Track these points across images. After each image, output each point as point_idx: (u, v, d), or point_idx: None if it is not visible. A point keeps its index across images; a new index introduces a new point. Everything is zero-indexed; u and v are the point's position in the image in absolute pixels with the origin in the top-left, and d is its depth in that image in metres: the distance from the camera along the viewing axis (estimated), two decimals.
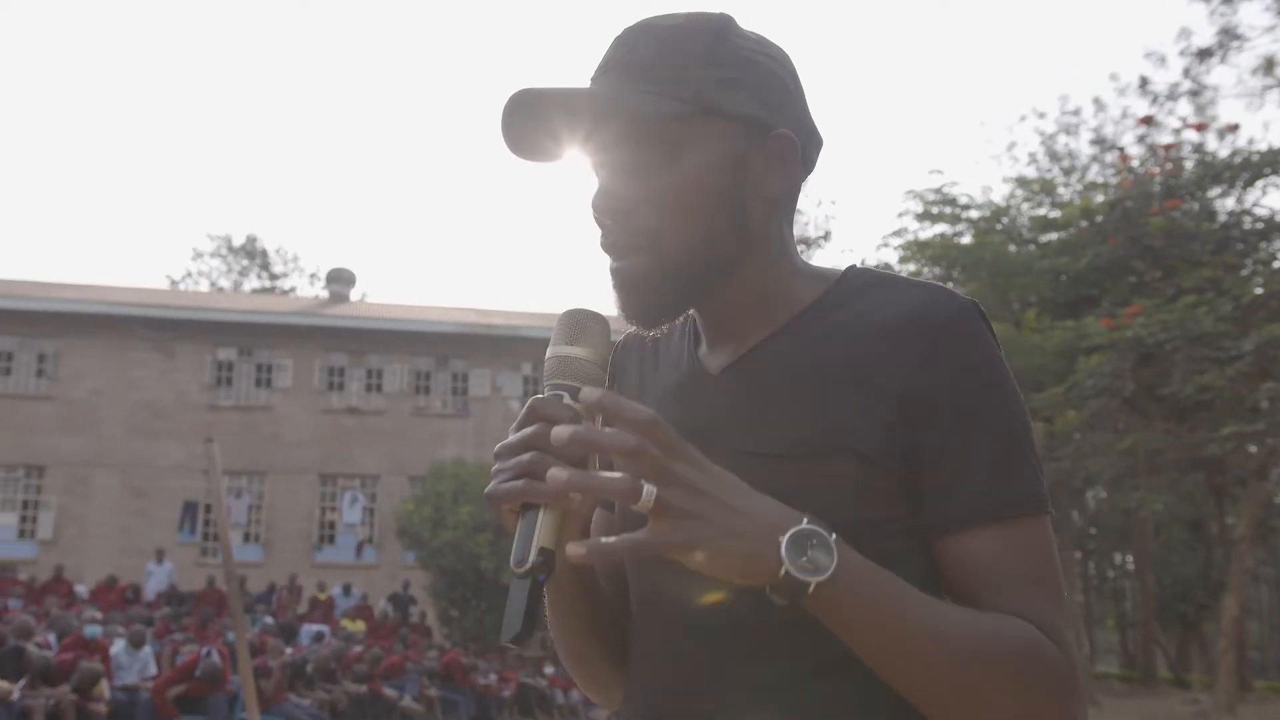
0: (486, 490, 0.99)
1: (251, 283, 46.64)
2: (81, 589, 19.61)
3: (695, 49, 1.05)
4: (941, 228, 21.91)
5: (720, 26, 1.07)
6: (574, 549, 0.84)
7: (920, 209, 21.58)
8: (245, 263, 47.03)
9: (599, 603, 1.18)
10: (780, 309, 1.11)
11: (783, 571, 0.87)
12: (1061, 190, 22.75)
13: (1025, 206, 22.26)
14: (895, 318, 1.05)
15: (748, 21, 1.12)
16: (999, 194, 31.78)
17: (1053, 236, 21.30)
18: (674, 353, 1.21)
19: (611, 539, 0.86)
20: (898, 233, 22.14)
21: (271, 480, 25.16)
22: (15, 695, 8.72)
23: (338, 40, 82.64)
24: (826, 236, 23.33)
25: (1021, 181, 22.46)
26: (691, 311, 1.17)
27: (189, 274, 46.52)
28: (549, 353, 1.04)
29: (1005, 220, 21.62)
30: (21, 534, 23.93)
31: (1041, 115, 34.94)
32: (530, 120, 1.05)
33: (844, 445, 1.00)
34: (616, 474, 0.85)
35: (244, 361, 25.83)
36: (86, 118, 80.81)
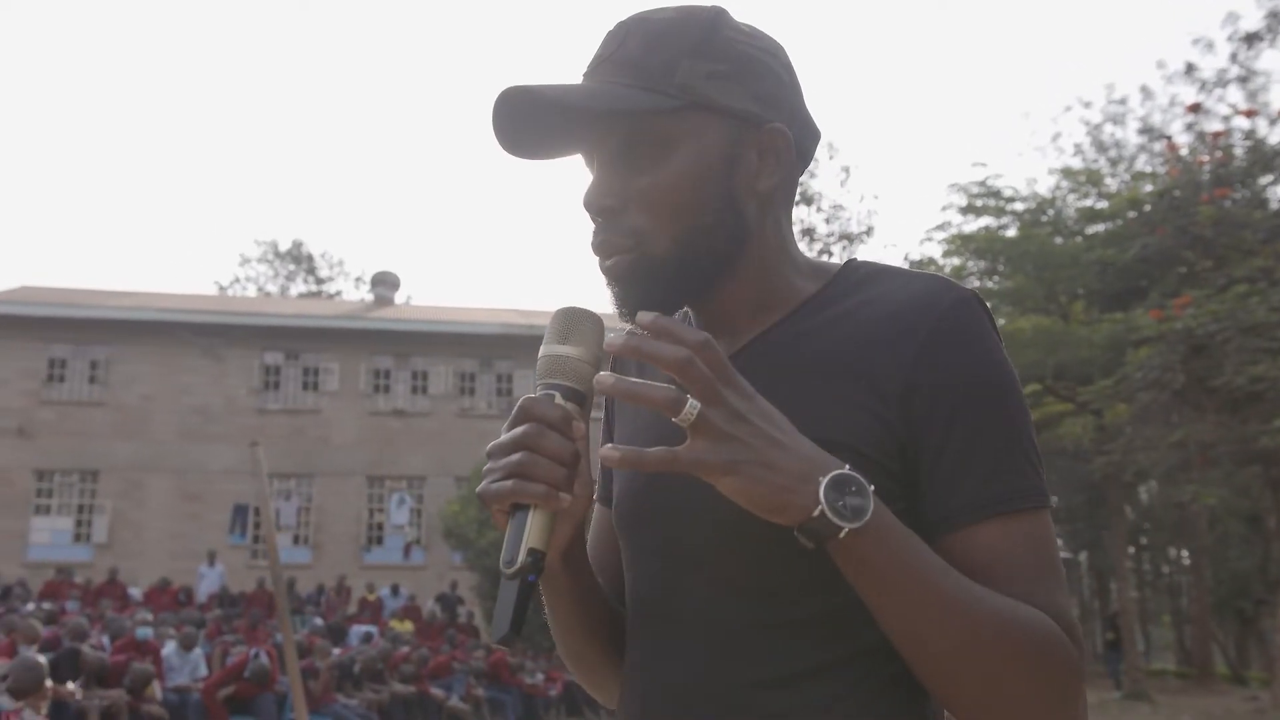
0: (478, 490, 0.98)
1: (298, 287, 47.15)
2: (135, 591, 19.92)
3: (685, 43, 1.03)
4: (986, 221, 21.68)
5: (711, 19, 1.06)
6: (608, 452, 0.83)
7: (964, 202, 21.36)
8: (291, 267, 47.57)
9: (597, 603, 1.17)
10: (777, 304, 1.10)
11: (818, 510, 0.85)
12: (1108, 181, 22.39)
13: (1071, 198, 21.95)
14: (892, 310, 1.03)
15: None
16: (1044, 186, 31.40)
17: (1100, 228, 20.99)
18: None
19: (650, 450, 0.85)
20: (941, 226, 21.94)
21: (320, 483, 25.41)
22: (79, 697, 8.88)
23: (379, 47, 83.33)
24: (869, 232, 23.11)
25: (1067, 172, 22.13)
26: (686, 310, 1.16)
27: (236, 280, 47.15)
28: (541, 351, 1.03)
29: (1051, 212, 21.33)
30: (77, 538, 24.35)
31: (1087, 105, 34.52)
32: (520, 118, 1.04)
33: (840, 441, 0.98)
34: (663, 385, 0.84)
35: (291, 365, 26.12)
36: (136, 129, 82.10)
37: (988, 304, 1.06)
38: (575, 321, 1.02)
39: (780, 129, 1.06)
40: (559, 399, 0.99)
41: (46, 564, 22.58)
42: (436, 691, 13.52)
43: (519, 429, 0.97)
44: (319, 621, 16.72)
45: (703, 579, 1.05)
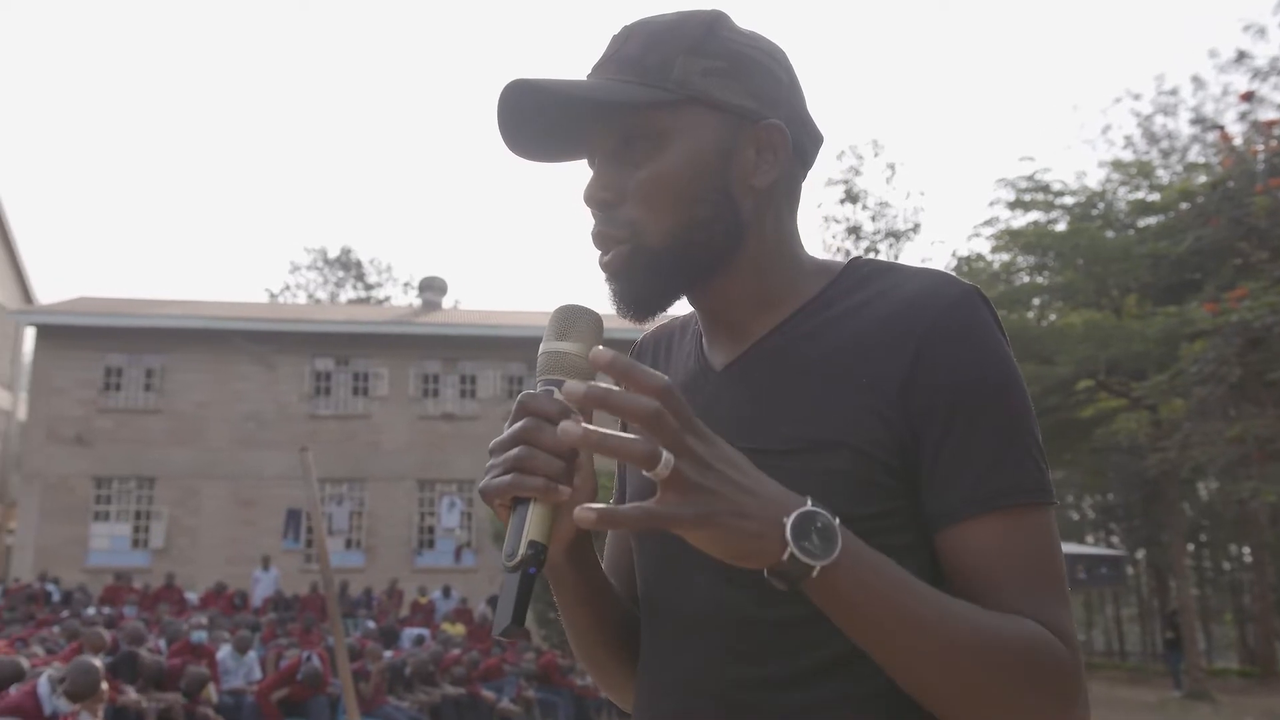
0: (479, 486, 1.00)
1: (347, 293, 47.62)
2: (192, 596, 20.21)
3: (682, 42, 1.05)
4: (1035, 216, 21.45)
5: (710, 20, 1.08)
6: (583, 513, 0.81)
7: (1012, 197, 21.15)
8: (341, 274, 48.05)
9: (607, 603, 1.18)
10: (781, 303, 1.10)
11: (786, 554, 0.84)
12: (1160, 173, 22.06)
13: (1122, 191, 21.66)
14: (892, 308, 1.03)
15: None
16: (1094, 179, 30.97)
17: (1152, 220, 20.71)
18: (685, 350, 1.21)
19: (624, 506, 0.83)
20: (989, 222, 21.75)
21: (371, 487, 25.63)
22: (145, 704, 9.02)
23: (425, 55, 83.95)
24: (916, 229, 22.96)
25: (1117, 165, 21.83)
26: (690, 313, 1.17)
27: (287, 287, 47.70)
28: (540, 349, 1.04)
29: (1101, 205, 21.07)
30: (135, 543, 24.74)
31: (1137, 97, 33.99)
32: (522, 113, 1.06)
33: (841, 440, 0.99)
34: (633, 437, 0.82)
35: (341, 371, 26.36)
36: (189, 142, 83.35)
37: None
38: (574, 319, 1.04)
39: (776, 125, 1.07)
40: (557, 394, 1.00)
41: (106, 569, 22.98)
42: (487, 693, 13.56)
43: (517, 424, 0.98)
44: (371, 624, 16.86)
45: (710, 578, 1.06)
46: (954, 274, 1.07)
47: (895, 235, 22.79)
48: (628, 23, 1.10)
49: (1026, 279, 22.11)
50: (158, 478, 24.87)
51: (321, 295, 47.22)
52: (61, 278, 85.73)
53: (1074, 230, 20.20)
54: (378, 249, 78.16)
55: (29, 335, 28.11)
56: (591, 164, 1.11)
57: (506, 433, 0.99)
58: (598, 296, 1.21)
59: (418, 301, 33.09)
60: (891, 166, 23.14)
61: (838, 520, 0.86)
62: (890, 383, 1.00)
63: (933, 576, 1.00)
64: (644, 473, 0.82)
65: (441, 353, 26.60)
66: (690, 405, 1.08)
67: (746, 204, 1.08)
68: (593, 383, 0.82)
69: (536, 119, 1.07)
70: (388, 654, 13.25)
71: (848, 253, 22.94)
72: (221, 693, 10.61)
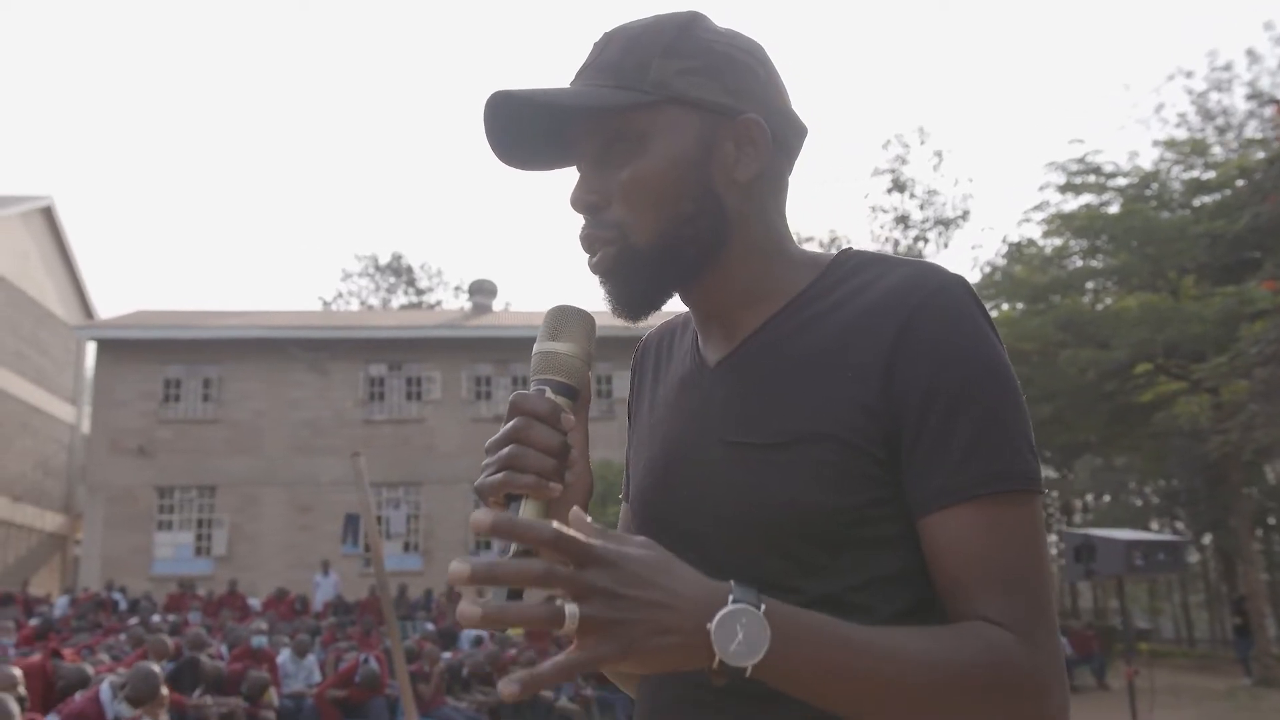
0: (474, 484, 1.02)
1: (398, 299, 48.05)
2: (255, 601, 20.51)
3: (658, 43, 1.07)
4: (1087, 198, 21.13)
5: (685, 21, 1.09)
6: (507, 687, 0.79)
7: (1063, 180, 20.85)
8: (392, 280, 48.49)
9: None
10: (771, 298, 1.12)
11: (716, 662, 0.83)
12: (1215, 150, 21.63)
13: (1176, 170, 21.27)
14: (876, 299, 1.04)
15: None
16: (1146, 159, 30.44)
17: (1207, 199, 20.30)
18: (683, 347, 1.23)
19: (544, 667, 0.80)
20: (1039, 206, 21.45)
21: (427, 490, 25.82)
22: (209, 708, 9.18)
23: (468, 65, 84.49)
24: (965, 216, 22.70)
25: (1171, 144, 21.43)
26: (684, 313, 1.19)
27: (340, 294, 48.20)
28: (534, 349, 1.07)
29: (1155, 186, 20.70)
30: (198, 551, 25.15)
31: (1189, 74, 33.34)
32: (505, 122, 1.09)
33: (828, 432, 1.01)
34: (533, 604, 0.81)
35: (394, 376, 26.60)
36: (240, 157, 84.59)
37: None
38: (565, 319, 1.06)
39: (754, 119, 1.08)
40: (549, 393, 1.03)
41: (170, 577, 23.39)
42: (545, 693, 13.63)
43: (509, 424, 1.00)
44: (430, 626, 17.00)
45: (705, 569, 1.06)
46: (939, 264, 1.06)
47: (944, 223, 22.55)
48: (608, 29, 1.12)
49: (1080, 263, 21.79)
50: (218, 486, 25.26)
51: (373, 302, 47.69)
52: (120, 292, 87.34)
53: (1127, 212, 19.86)
54: (428, 254, 78.75)
55: (90, 350, 28.65)
56: (578, 169, 1.13)
57: (499, 433, 1.01)
58: None
59: (468, 305, 33.30)
60: (939, 154, 22.89)
61: (763, 607, 0.85)
62: (873, 373, 1.01)
63: (922, 566, 1.01)
64: (555, 634, 0.81)
65: (493, 355, 26.75)
66: (686, 403, 1.14)
67: (730, 199, 1.09)
68: (476, 559, 0.80)
69: (522, 129, 1.10)
70: (446, 655, 13.35)
71: (896, 242, 22.74)
72: (282, 696, 10.76)
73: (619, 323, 1.18)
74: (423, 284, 48.91)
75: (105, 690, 6.39)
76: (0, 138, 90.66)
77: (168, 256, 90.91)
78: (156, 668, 6.63)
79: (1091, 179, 20.88)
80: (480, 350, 26.86)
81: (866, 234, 23.27)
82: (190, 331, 26.23)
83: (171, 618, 17.10)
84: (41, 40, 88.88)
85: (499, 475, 0.99)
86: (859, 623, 0.99)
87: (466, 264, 77.92)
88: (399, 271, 48.60)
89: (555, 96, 1.05)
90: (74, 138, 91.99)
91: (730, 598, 0.84)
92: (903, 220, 22.53)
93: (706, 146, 1.07)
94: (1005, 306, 22.30)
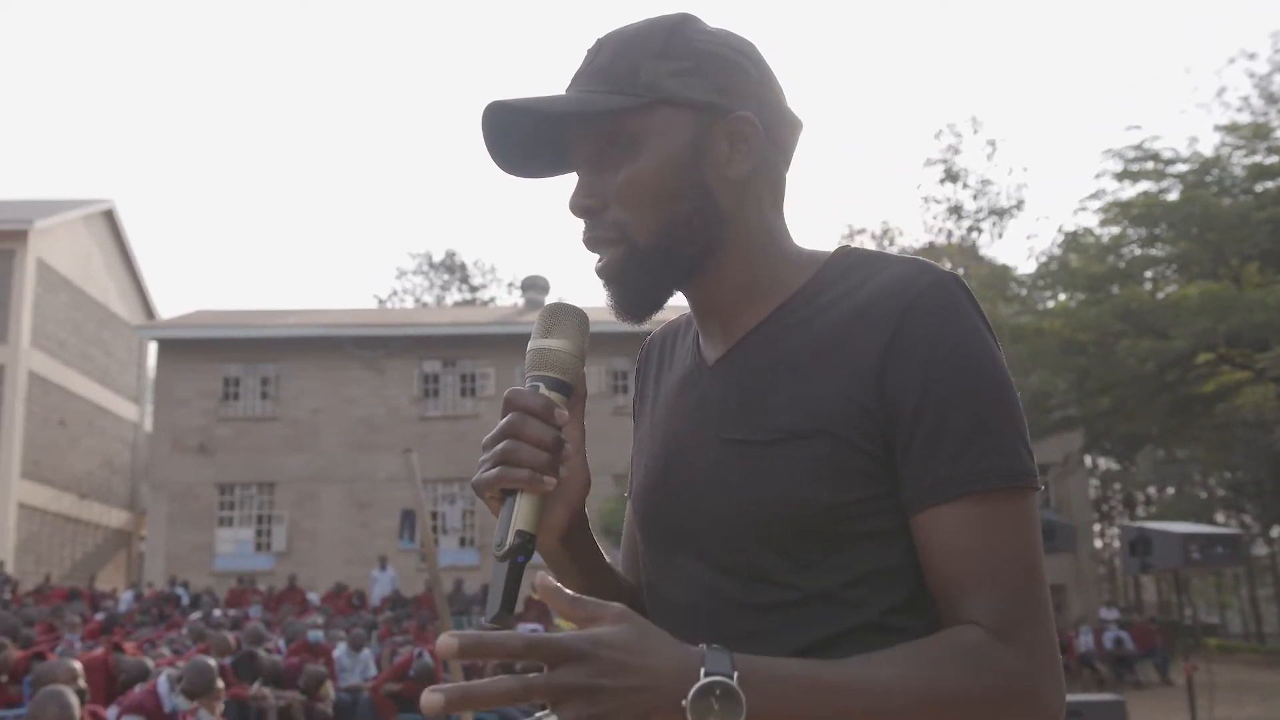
0: (471, 481, 1.04)
1: (453, 296, 48.38)
2: (314, 596, 20.81)
3: (649, 46, 1.08)
4: (1145, 186, 20.74)
5: (675, 24, 1.10)
6: (430, 695, 0.80)
7: (1120, 168, 20.49)
8: (446, 277, 48.84)
9: (608, 588, 1.22)
10: (769, 295, 1.12)
11: None
12: (1278, 134, 21.11)
13: (1238, 155, 20.79)
14: (870, 297, 1.05)
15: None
16: (1206, 145, 29.81)
17: (1270, 184, 19.83)
18: (685, 346, 1.24)
19: (480, 691, 0.81)
20: (1096, 195, 21.09)
21: None
22: (276, 702, 9.33)
23: (515, 63, 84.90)
24: (1019, 205, 22.37)
25: (1233, 128, 20.97)
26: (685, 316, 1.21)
27: (394, 292, 48.66)
28: (529, 346, 1.08)
29: (1216, 171, 20.26)
30: (259, 547, 25.55)
31: (1252, 56, 32.59)
32: (503, 131, 1.11)
33: (822, 428, 1.02)
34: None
35: (449, 373, 26.82)
36: (295, 157, 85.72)
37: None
38: (559, 316, 1.08)
39: (745, 117, 1.08)
40: (543, 389, 1.04)
41: (231, 573, 23.80)
42: None
43: (504, 420, 1.02)
44: (485, 620, 17.09)
45: (702, 565, 1.10)
46: (932, 261, 1.07)
47: (998, 213, 22.26)
48: (601, 35, 1.13)
49: (1138, 252, 21.41)
50: (277, 483, 25.63)
51: (428, 299, 48.08)
52: (180, 293, 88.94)
53: (1187, 199, 19.47)
54: (481, 251, 79.38)
55: (152, 350, 29.21)
56: (578, 174, 1.14)
57: (495, 429, 1.03)
58: None
59: (521, 301, 33.46)
60: (992, 143, 22.57)
61: (735, 675, 0.85)
62: (867, 370, 1.02)
63: (916, 562, 1.02)
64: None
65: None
66: (686, 400, 1.16)
67: (725, 196, 1.10)
68: (465, 634, 0.81)
69: (520, 138, 1.12)
70: None
71: (949, 233, 22.50)
72: (338, 689, 10.90)
73: (668, 318, 1.20)
74: (476, 281, 49.23)
75: (163, 683, 6.52)
76: (63, 142, 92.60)
77: (226, 257, 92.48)
78: (212, 661, 6.75)
79: (1150, 166, 20.49)
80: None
81: (919, 225, 23.05)
82: (248, 330, 26.64)
83: (232, 612, 17.39)
84: (102, 49, 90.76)
85: (494, 471, 1.01)
86: (853, 618, 1.01)
87: (519, 260, 78.37)
88: (453, 269, 48.94)
89: (548, 104, 1.07)
90: (133, 141, 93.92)
91: (702, 670, 0.85)
92: (956, 211, 22.27)
93: (699, 145, 1.08)
94: (1063, 296, 21.97)
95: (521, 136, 1.12)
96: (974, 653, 0.93)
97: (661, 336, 1.32)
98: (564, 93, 1.11)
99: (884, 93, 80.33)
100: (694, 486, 1.10)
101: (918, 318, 1.01)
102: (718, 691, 0.84)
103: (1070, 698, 11.78)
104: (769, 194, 1.14)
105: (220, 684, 6.48)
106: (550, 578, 0.87)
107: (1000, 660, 0.93)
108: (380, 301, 47.87)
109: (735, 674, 0.85)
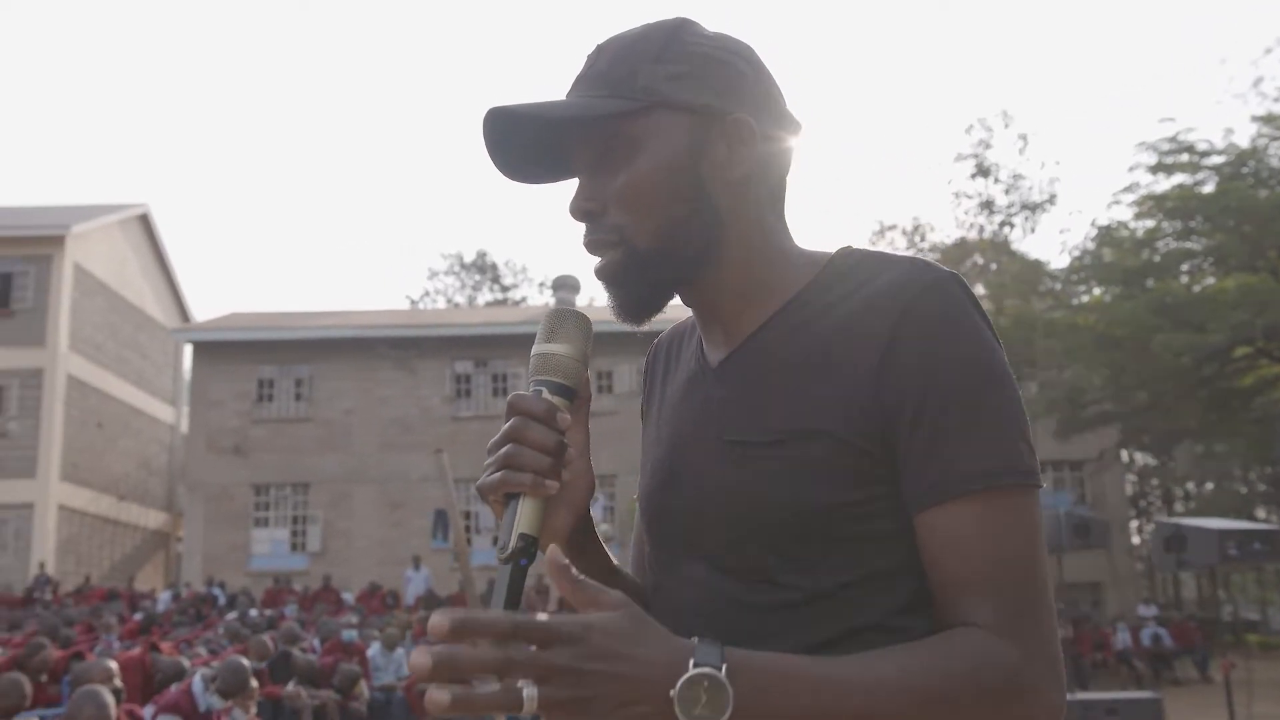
0: (475, 484, 1.05)
1: (484, 296, 48.56)
2: (348, 596, 20.95)
3: (647, 51, 1.10)
4: (1180, 178, 20.51)
5: (672, 28, 1.12)
6: (436, 693, 0.80)
7: (1154, 161, 20.27)
8: (477, 277, 49.04)
9: (617, 588, 1.21)
10: (770, 297, 1.13)
11: None
12: None
13: (1275, 146, 20.51)
14: (870, 298, 1.05)
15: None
16: (1243, 135, 29.43)
17: None
18: (690, 349, 1.25)
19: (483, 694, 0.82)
20: (1129, 188, 20.88)
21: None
22: (310, 701, 9.40)
23: (548, 62, 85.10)
24: (1052, 200, 22.18)
25: (1270, 119, 20.68)
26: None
27: (426, 293, 48.92)
28: (532, 351, 1.09)
29: (1252, 163, 20.00)
30: (294, 547, 25.76)
31: None
32: (507, 144, 1.13)
33: (822, 429, 1.02)
34: (490, 689, 0.82)
35: (480, 373, 26.91)
36: (327, 160, 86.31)
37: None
38: (561, 321, 1.09)
39: (743, 119, 1.09)
40: (546, 393, 1.05)
41: (267, 573, 24.01)
42: None
43: (507, 424, 1.03)
44: None
45: (706, 566, 1.11)
46: (933, 261, 1.07)
47: (1030, 207, 22.07)
48: (600, 41, 1.14)
49: (1173, 245, 21.18)
50: (311, 483, 25.82)
51: (459, 299, 48.29)
52: (214, 295, 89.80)
53: (1223, 191, 19.23)
54: (512, 251, 79.65)
55: (187, 352, 29.49)
56: (579, 179, 1.15)
57: (499, 433, 1.04)
58: None
59: (552, 301, 33.53)
60: (1024, 137, 22.39)
61: (724, 668, 0.85)
62: (867, 371, 1.02)
63: (917, 562, 1.02)
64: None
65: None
66: (690, 403, 1.17)
67: (724, 198, 1.10)
68: (439, 647, 0.81)
69: (521, 144, 1.13)
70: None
71: (980, 228, 22.33)
72: (372, 689, 10.96)
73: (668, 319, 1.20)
74: (507, 281, 49.40)
75: (197, 682, 6.59)
76: (98, 148, 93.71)
77: (260, 259, 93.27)
78: (246, 661, 6.81)
79: (1184, 158, 20.26)
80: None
81: (950, 220, 22.89)
82: (282, 332, 26.85)
83: (268, 612, 17.54)
84: (135, 54, 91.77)
85: (497, 475, 1.02)
86: (855, 619, 1.01)
87: (550, 260, 78.57)
88: (484, 269, 49.13)
89: (546, 109, 1.08)
90: (168, 145, 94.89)
91: (691, 662, 0.85)
92: (987, 206, 22.11)
93: (697, 148, 1.09)
94: (1097, 291, 21.77)
95: (522, 142, 1.13)
96: (974, 652, 0.93)
97: (669, 339, 1.34)
98: (563, 98, 1.13)
99: (915, 88, 79.90)
100: (697, 488, 1.11)
101: (916, 318, 1.02)
102: (706, 683, 0.85)
103: (1106, 695, 11.70)
104: (768, 196, 1.14)
105: (254, 683, 6.55)
106: (560, 554, 0.86)
107: (1000, 659, 0.93)
108: (412, 302, 48.14)
109: (724, 666, 0.85)
